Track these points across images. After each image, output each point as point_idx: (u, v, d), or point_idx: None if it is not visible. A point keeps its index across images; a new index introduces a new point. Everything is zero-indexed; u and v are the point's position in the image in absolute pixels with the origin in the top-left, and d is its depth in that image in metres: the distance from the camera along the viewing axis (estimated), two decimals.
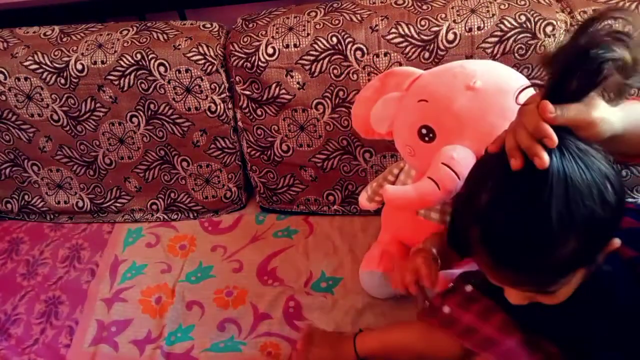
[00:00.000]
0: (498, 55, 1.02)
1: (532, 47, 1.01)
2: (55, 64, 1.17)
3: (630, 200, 1.12)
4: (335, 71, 1.08)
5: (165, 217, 1.33)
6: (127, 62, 1.15)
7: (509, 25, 1.01)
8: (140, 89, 1.17)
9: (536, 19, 1.00)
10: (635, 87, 0.53)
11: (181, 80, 1.14)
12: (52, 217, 1.38)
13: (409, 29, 1.04)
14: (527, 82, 0.76)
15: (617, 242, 0.57)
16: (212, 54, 1.13)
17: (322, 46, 1.07)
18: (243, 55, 1.10)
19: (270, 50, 1.09)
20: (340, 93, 1.10)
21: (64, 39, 1.19)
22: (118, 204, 1.34)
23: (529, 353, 0.75)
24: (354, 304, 1.06)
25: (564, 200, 0.50)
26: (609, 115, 0.54)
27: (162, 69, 1.14)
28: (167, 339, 1.06)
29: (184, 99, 1.16)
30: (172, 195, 1.31)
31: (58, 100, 1.21)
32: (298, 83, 1.10)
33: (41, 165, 1.32)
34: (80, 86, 1.18)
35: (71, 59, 1.16)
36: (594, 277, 0.60)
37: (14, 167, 1.33)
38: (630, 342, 0.66)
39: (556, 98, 0.52)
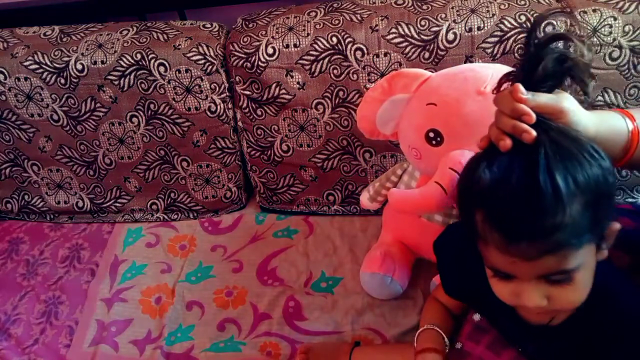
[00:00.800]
0: (498, 55, 1.02)
1: None
2: (55, 64, 1.17)
3: (629, 200, 1.12)
4: (335, 71, 1.08)
5: (165, 217, 1.33)
6: (127, 62, 1.15)
7: (509, 25, 1.01)
8: (140, 89, 1.17)
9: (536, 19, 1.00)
10: (590, 82, 0.58)
11: (181, 80, 1.14)
12: (52, 217, 1.38)
13: (409, 29, 1.04)
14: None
15: (617, 225, 0.59)
16: (212, 54, 1.13)
17: (322, 46, 1.07)
18: (243, 55, 1.10)
19: (270, 50, 1.09)
20: (340, 93, 1.10)
21: (64, 39, 1.19)
22: (118, 204, 1.34)
23: None
24: (354, 304, 1.06)
25: (561, 160, 0.53)
26: (580, 110, 0.58)
27: (162, 69, 1.14)
28: (167, 339, 1.06)
29: (184, 99, 1.16)
30: (172, 195, 1.31)
31: (58, 100, 1.21)
32: (298, 83, 1.10)
33: (41, 165, 1.32)
34: (80, 86, 1.18)
35: (71, 59, 1.16)
36: (596, 294, 0.60)
37: (14, 167, 1.33)
38: None
39: (527, 87, 0.56)
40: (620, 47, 1.00)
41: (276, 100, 1.13)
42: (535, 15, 1.00)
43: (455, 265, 0.79)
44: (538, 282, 0.58)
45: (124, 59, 1.14)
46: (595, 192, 0.53)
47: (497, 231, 0.55)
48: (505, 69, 0.87)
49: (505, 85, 0.61)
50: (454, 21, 1.03)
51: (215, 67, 1.14)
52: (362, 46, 1.05)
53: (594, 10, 1.00)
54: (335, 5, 1.11)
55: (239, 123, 1.21)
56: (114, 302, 1.15)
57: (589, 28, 0.99)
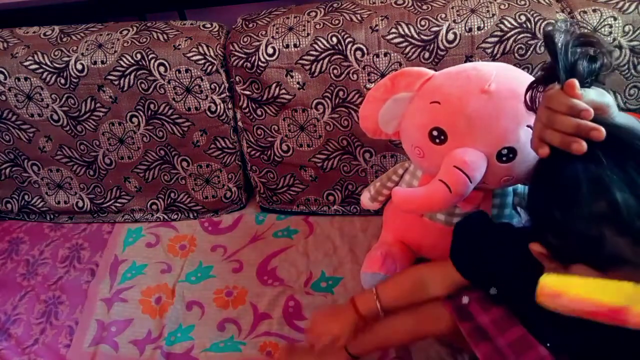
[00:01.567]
0: (498, 55, 1.02)
1: (532, 47, 1.01)
2: (55, 64, 1.17)
3: None
4: (335, 71, 1.08)
5: (165, 217, 1.33)
6: (127, 62, 1.15)
7: (509, 25, 1.01)
8: (140, 89, 1.17)
9: (536, 19, 1.00)
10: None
11: (181, 80, 1.14)
12: (52, 217, 1.38)
13: (409, 29, 1.04)
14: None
15: None
16: (212, 54, 1.13)
17: (322, 46, 1.07)
18: (243, 55, 1.10)
19: (270, 50, 1.09)
20: (340, 93, 1.10)
21: (64, 39, 1.19)
22: (118, 204, 1.34)
23: None
24: None
25: None
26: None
27: (162, 69, 1.14)
28: (167, 339, 1.06)
29: (184, 99, 1.16)
30: (172, 195, 1.31)
31: (58, 100, 1.21)
32: (298, 83, 1.10)
33: (41, 165, 1.32)
34: (80, 86, 1.18)
35: (71, 59, 1.16)
36: None
37: (14, 167, 1.33)
38: None
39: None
40: (620, 47, 1.00)
41: (276, 100, 1.13)
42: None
43: (475, 248, 0.79)
44: None
45: (124, 59, 1.15)
46: None
47: None
48: (508, 67, 0.88)
49: (528, 94, 0.61)
50: (454, 21, 1.03)
51: (215, 67, 1.14)
52: (362, 46, 1.05)
53: (594, 10, 1.00)
54: (335, 5, 1.11)
55: (239, 123, 1.21)
56: (114, 302, 1.15)
57: (589, 28, 0.99)
